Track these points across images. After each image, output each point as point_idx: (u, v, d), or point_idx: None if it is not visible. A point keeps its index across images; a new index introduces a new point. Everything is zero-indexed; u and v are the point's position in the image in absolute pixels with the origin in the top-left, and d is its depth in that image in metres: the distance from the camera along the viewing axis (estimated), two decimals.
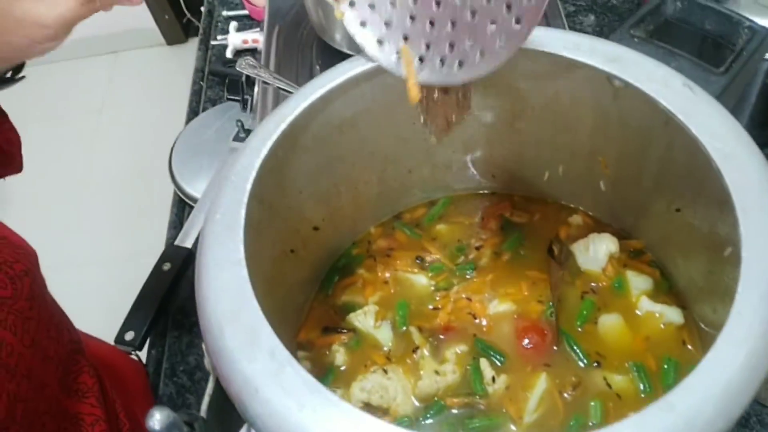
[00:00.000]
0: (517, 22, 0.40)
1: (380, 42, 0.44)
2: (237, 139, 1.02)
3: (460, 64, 0.41)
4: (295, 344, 0.54)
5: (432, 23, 0.42)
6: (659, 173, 0.47)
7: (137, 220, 1.73)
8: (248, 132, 1.01)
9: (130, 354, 0.82)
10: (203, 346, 0.37)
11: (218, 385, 0.40)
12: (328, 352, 0.53)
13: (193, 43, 2.39)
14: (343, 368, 0.52)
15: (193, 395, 0.85)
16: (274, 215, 0.47)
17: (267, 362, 0.33)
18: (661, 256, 0.53)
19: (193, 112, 1.13)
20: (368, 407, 0.50)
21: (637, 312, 0.52)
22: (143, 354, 0.86)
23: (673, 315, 0.50)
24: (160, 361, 0.88)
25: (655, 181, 0.48)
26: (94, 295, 1.58)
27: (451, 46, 0.42)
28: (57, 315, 0.53)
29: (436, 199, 0.61)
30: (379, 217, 0.60)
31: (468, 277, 0.56)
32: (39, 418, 0.47)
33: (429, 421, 0.49)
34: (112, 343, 0.81)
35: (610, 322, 0.51)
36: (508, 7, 0.40)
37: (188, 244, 0.91)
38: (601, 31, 1.09)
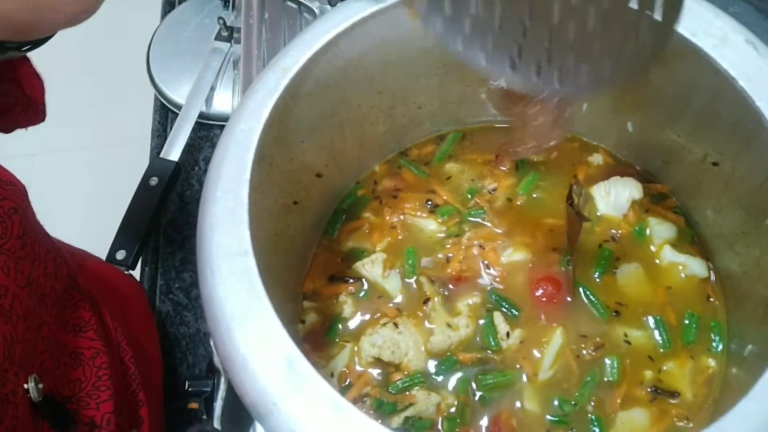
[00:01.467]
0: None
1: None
2: (219, 38, 0.94)
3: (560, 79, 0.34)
4: (301, 295, 0.51)
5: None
6: (698, 122, 0.43)
7: (108, 108, 1.63)
8: (230, 30, 0.93)
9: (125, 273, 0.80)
10: (211, 342, 0.34)
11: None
12: (335, 301, 0.51)
13: None
14: (350, 320, 0.51)
15: (190, 313, 0.85)
16: (274, 171, 0.43)
17: (285, 373, 0.30)
18: (687, 203, 0.50)
19: (168, 4, 1.03)
20: (379, 363, 0.49)
21: (658, 262, 0.50)
22: (136, 273, 0.84)
23: (696, 267, 0.48)
24: (155, 279, 0.86)
25: (692, 129, 0.44)
26: (72, 188, 1.52)
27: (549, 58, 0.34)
28: (52, 250, 0.51)
29: (446, 132, 0.56)
30: (385, 154, 0.56)
31: (480, 222, 0.53)
32: (38, 358, 0.46)
33: (441, 377, 0.48)
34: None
35: (629, 273, 0.49)
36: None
37: (174, 157, 0.87)
38: None
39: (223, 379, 0.43)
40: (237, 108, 0.38)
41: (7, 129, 0.55)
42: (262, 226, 0.38)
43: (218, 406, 0.42)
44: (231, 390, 0.38)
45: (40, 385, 0.43)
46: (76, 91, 1.63)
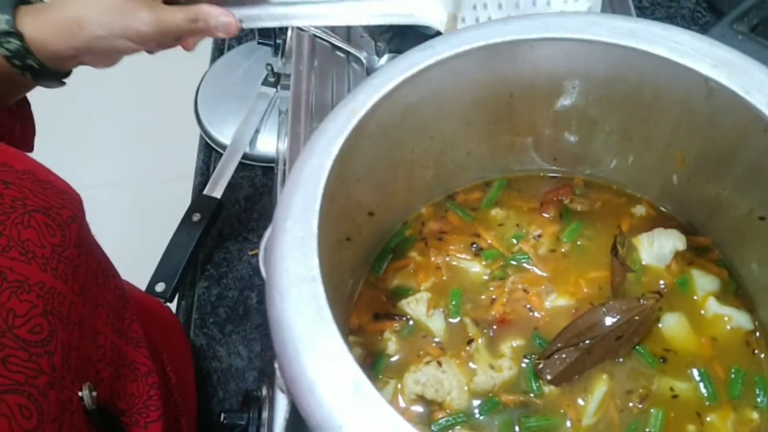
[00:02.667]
0: None
1: None
2: (266, 83, 0.98)
3: None
4: (347, 330, 0.52)
5: None
6: (746, 177, 0.44)
7: (154, 145, 1.68)
8: (278, 76, 0.97)
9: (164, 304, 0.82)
10: (275, 364, 0.35)
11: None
12: (380, 338, 0.52)
13: None
14: (394, 357, 0.51)
15: (223, 348, 0.86)
16: (333, 206, 0.44)
17: (351, 396, 0.32)
18: (731, 256, 0.51)
19: (218, 50, 1.08)
20: (422, 400, 0.49)
21: (703, 313, 0.50)
22: (172, 306, 0.86)
23: (741, 319, 0.49)
24: (190, 313, 0.88)
25: (739, 184, 0.45)
26: (114, 221, 1.55)
27: None
28: (103, 261, 0.53)
29: (492, 179, 0.58)
30: (432, 197, 0.58)
31: (525, 266, 0.54)
32: (93, 366, 0.47)
33: (484, 417, 0.48)
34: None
35: (673, 323, 0.50)
36: None
37: (217, 194, 0.90)
38: None
39: (287, 401, 0.44)
40: (307, 145, 0.40)
41: None
42: (322, 258, 0.39)
43: (279, 426, 0.42)
44: (293, 412, 0.39)
45: (94, 393, 0.44)
46: (125, 128, 1.69)
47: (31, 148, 0.64)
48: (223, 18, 0.55)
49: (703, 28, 0.96)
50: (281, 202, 0.38)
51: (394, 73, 0.42)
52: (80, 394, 0.43)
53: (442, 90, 0.46)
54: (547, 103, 0.50)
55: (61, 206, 0.46)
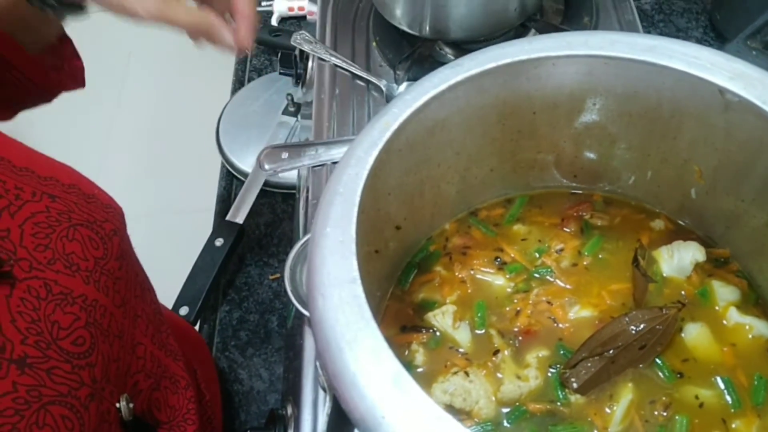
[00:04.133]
0: None
1: None
2: (286, 112, 1.01)
3: None
4: None
5: None
6: (764, 188, 0.46)
7: (176, 175, 1.70)
8: (298, 106, 1.00)
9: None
10: (316, 363, 0.37)
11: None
12: (407, 351, 0.53)
13: None
14: (421, 368, 0.52)
15: (245, 371, 0.87)
16: (364, 218, 0.46)
17: (391, 389, 0.33)
18: (750, 267, 0.52)
19: (239, 82, 1.12)
20: (450, 409, 0.50)
21: (724, 322, 0.51)
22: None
23: (762, 328, 0.50)
24: (212, 336, 0.89)
25: (758, 195, 0.47)
26: (138, 246, 1.57)
27: None
28: (141, 274, 0.54)
29: (514, 196, 0.60)
30: (455, 213, 0.59)
31: (548, 279, 0.55)
32: (131, 378, 0.48)
33: (511, 425, 0.49)
34: None
35: (696, 332, 0.51)
36: None
37: (239, 220, 0.92)
38: (660, 8, 1.06)
39: (329, 397, 0.45)
40: (345, 156, 0.42)
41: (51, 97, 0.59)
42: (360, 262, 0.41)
43: (322, 422, 0.43)
44: (336, 409, 0.40)
45: (131, 405, 0.45)
46: (147, 158, 1.72)
47: (83, 84, 0.65)
48: (227, 38, 0.53)
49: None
50: (320, 209, 0.40)
51: (425, 88, 0.44)
52: (118, 405, 0.44)
53: (468, 106, 0.49)
54: (568, 120, 0.52)
55: (104, 220, 0.47)
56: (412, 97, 0.43)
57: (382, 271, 0.55)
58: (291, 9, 1.08)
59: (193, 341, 0.74)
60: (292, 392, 0.69)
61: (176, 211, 1.62)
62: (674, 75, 0.43)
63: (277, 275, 0.93)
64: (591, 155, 0.55)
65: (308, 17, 0.99)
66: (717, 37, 0.98)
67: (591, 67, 0.46)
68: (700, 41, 1.01)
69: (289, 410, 0.62)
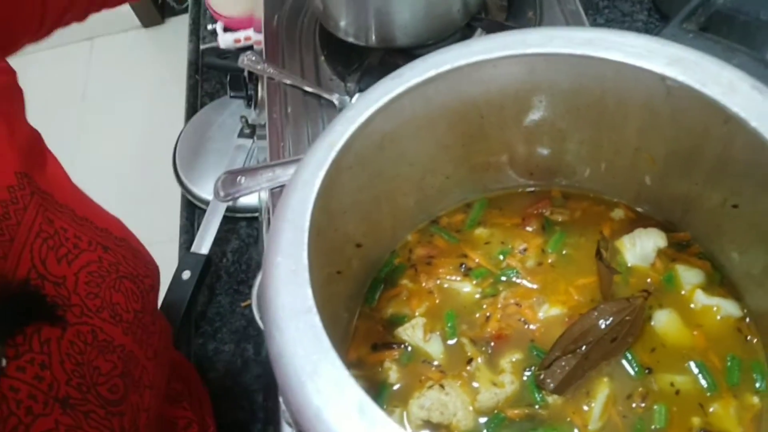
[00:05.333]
0: None
1: None
2: (242, 135, 0.99)
3: None
4: (347, 365, 0.52)
5: None
6: (714, 169, 0.46)
7: (136, 209, 1.67)
8: (253, 127, 0.99)
9: None
10: (280, 398, 0.36)
11: None
12: (380, 369, 0.52)
13: (171, 24, 2.33)
14: (396, 385, 0.52)
15: (225, 402, 0.85)
16: (321, 240, 0.45)
17: (358, 419, 0.32)
18: (711, 248, 0.52)
19: (191, 108, 1.10)
20: (429, 425, 0.49)
21: (692, 306, 0.51)
22: None
23: (730, 307, 0.50)
24: None
25: (709, 176, 0.47)
26: None
27: None
28: (166, 326, 0.55)
29: (473, 200, 0.59)
30: (416, 224, 0.59)
31: (515, 281, 0.55)
32: (154, 425, 0.50)
33: None
34: None
35: (665, 319, 0.51)
36: None
37: (204, 251, 0.90)
38: None
39: None
40: (290, 181, 0.41)
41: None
42: (315, 290, 0.40)
43: None
44: None
45: None
46: (105, 195, 1.69)
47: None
48: None
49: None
50: (270, 239, 0.39)
51: (366, 103, 0.43)
52: None
53: (415, 117, 0.48)
54: (516, 120, 0.52)
55: (145, 275, 0.50)
56: (355, 113, 0.43)
57: (347, 291, 0.54)
58: (237, 41, 1.06)
59: (189, 374, 0.74)
60: (273, 422, 0.68)
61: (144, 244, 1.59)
62: (614, 66, 0.43)
63: (249, 302, 0.91)
64: (544, 152, 0.55)
65: (255, 47, 0.98)
66: (662, 18, 0.99)
67: (532, 66, 0.46)
68: (646, 24, 1.02)
69: None
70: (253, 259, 0.95)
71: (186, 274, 0.88)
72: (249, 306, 0.91)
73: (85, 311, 0.42)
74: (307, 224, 0.38)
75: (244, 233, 0.97)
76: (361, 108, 0.43)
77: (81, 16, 0.62)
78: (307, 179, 0.40)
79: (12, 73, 0.49)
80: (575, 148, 0.54)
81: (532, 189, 0.59)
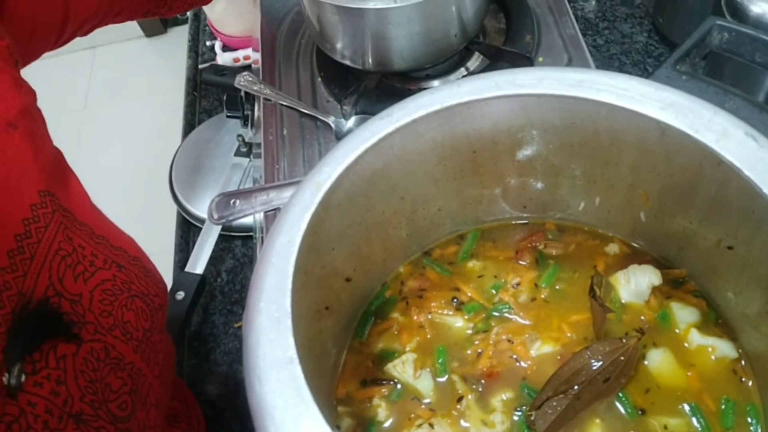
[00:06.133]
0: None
1: None
2: (239, 153, 0.99)
3: None
4: (335, 400, 0.52)
5: None
6: (709, 209, 0.45)
7: (133, 221, 1.67)
8: (249, 146, 0.98)
9: None
10: None
11: None
12: (369, 405, 0.52)
13: (174, 34, 2.33)
14: (385, 424, 0.51)
15: (216, 425, 0.84)
16: (308, 279, 0.45)
17: None
18: (707, 286, 0.51)
19: (189, 125, 1.10)
20: None
21: (686, 345, 0.50)
22: None
23: (725, 348, 0.49)
24: None
25: (705, 216, 0.46)
26: None
27: None
28: (171, 345, 0.56)
29: (465, 232, 0.58)
30: (408, 255, 0.58)
31: (507, 316, 0.54)
32: None
33: None
34: None
35: (659, 359, 0.50)
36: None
37: (199, 270, 0.89)
38: (604, 16, 1.06)
39: None
40: (276, 222, 0.40)
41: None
42: (299, 333, 0.39)
43: None
44: None
45: None
46: (101, 203, 1.69)
47: None
48: None
49: (658, 60, 0.99)
50: (253, 282, 0.38)
51: (355, 143, 0.42)
52: None
53: (405, 153, 0.47)
54: (509, 155, 0.51)
55: (155, 294, 0.50)
56: (343, 154, 0.42)
57: (336, 325, 0.53)
58: (236, 60, 1.06)
59: (187, 396, 0.74)
60: None
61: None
62: (607, 107, 0.42)
63: (242, 323, 0.90)
64: (538, 185, 0.54)
65: (253, 66, 0.97)
66: (661, 40, 0.98)
67: (524, 104, 0.46)
68: (645, 45, 1.01)
69: None
70: (247, 278, 0.94)
71: (180, 295, 0.87)
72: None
73: (98, 329, 0.43)
74: (291, 269, 0.38)
75: (239, 252, 0.96)
76: (350, 148, 0.42)
77: (97, 26, 0.62)
78: (292, 222, 0.40)
79: (33, 94, 0.49)
80: (569, 182, 0.53)
81: (526, 221, 0.58)
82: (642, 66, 1.01)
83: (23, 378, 0.37)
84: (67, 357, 0.40)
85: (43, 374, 0.38)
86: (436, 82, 0.84)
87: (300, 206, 0.40)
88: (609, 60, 1.01)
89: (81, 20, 0.59)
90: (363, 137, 0.43)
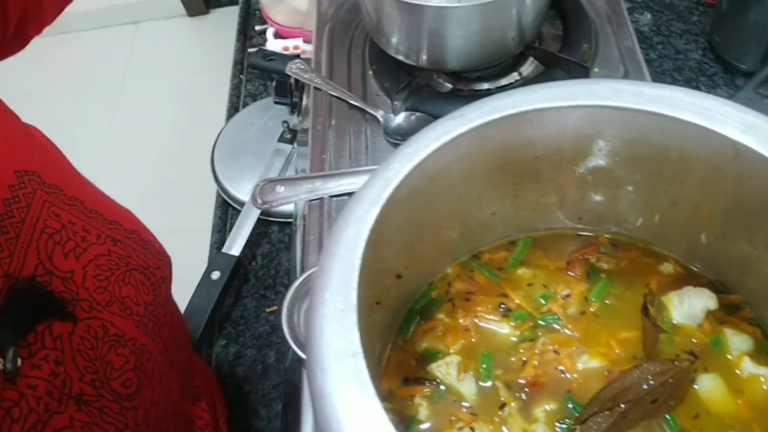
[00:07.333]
0: None
1: None
2: (282, 139, 0.99)
3: None
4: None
5: None
6: None
7: (169, 198, 1.68)
8: (294, 133, 0.98)
9: None
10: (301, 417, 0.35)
11: None
12: (410, 404, 0.52)
13: (215, 15, 2.34)
14: (425, 424, 0.51)
15: (241, 408, 0.85)
16: (366, 273, 0.44)
17: None
18: (763, 315, 0.51)
19: (233, 108, 1.10)
20: None
21: (738, 373, 0.49)
22: None
23: None
24: None
25: None
26: None
27: None
28: (179, 319, 0.55)
29: (517, 238, 0.58)
30: (457, 257, 0.58)
31: (555, 327, 0.53)
32: (164, 421, 0.49)
33: None
34: None
35: (709, 384, 0.49)
36: None
37: (235, 252, 0.90)
38: (659, 30, 1.05)
39: None
40: (343, 214, 0.40)
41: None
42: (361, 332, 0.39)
43: None
44: None
45: None
46: (142, 181, 1.70)
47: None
48: None
49: (711, 79, 0.98)
50: (319, 273, 0.38)
51: (426, 141, 0.42)
52: None
53: (469, 154, 0.47)
54: (572, 164, 0.50)
55: (156, 267, 0.49)
56: (413, 150, 0.42)
57: (383, 321, 0.53)
58: (286, 48, 1.06)
59: (208, 376, 0.74)
60: None
61: (174, 231, 1.60)
62: (683, 124, 0.42)
63: (275, 308, 0.91)
64: (597, 197, 0.53)
65: (302, 56, 0.97)
66: (716, 59, 0.97)
67: (596, 115, 0.45)
68: (699, 63, 1.00)
69: None
70: (282, 264, 0.94)
71: (215, 275, 0.88)
72: (274, 312, 0.91)
73: (94, 305, 0.42)
74: (358, 262, 0.38)
75: (275, 238, 0.96)
76: (420, 146, 0.42)
77: (42, 21, 0.58)
78: (360, 215, 0.39)
79: None
80: (630, 197, 0.52)
81: (580, 233, 0.58)
82: (694, 84, 0.99)
83: (19, 362, 0.36)
84: (63, 336, 0.39)
85: (40, 356, 0.37)
86: (486, 85, 0.84)
87: (368, 200, 0.40)
88: (661, 75, 1.00)
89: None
90: (434, 135, 0.42)
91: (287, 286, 0.93)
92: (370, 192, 0.40)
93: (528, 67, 0.85)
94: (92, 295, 0.42)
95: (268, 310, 0.91)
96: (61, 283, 0.40)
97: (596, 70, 0.82)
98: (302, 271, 0.72)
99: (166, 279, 0.50)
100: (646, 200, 0.52)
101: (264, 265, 0.94)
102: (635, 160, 0.48)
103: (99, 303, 0.42)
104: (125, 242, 0.47)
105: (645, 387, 0.47)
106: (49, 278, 0.40)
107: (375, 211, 0.40)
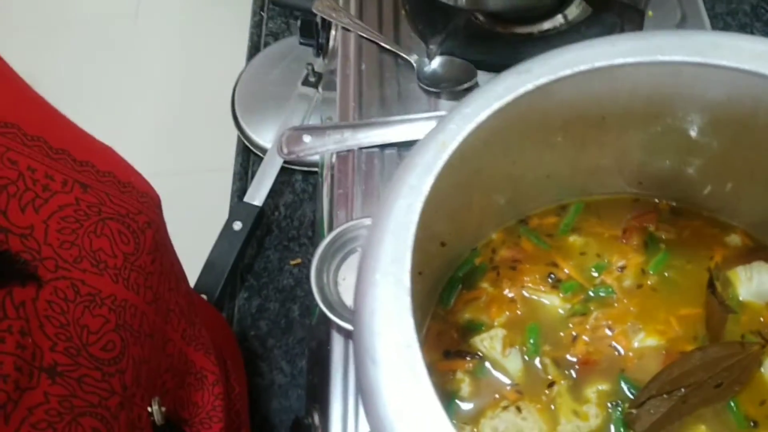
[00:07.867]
0: None
1: None
2: (306, 83, 0.93)
3: None
4: None
5: None
6: None
7: (188, 138, 1.63)
8: (318, 76, 0.92)
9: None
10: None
11: None
12: (452, 378, 0.48)
13: None
14: (467, 401, 0.48)
15: (265, 363, 0.83)
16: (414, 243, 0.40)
17: None
18: None
19: (254, 47, 1.04)
20: None
21: None
22: None
23: None
24: (230, 325, 0.85)
25: None
26: None
27: None
28: (176, 264, 0.50)
29: (567, 203, 0.53)
30: (503, 221, 0.53)
31: (608, 301, 0.49)
32: (160, 377, 0.45)
33: None
34: None
35: None
36: None
37: (258, 202, 0.86)
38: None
39: None
40: (393, 184, 0.36)
41: None
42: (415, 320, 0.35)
43: None
44: None
45: (163, 408, 0.42)
46: (161, 120, 1.64)
47: None
48: None
49: (767, 25, 0.91)
50: (368, 250, 0.34)
51: (487, 100, 0.37)
52: (149, 409, 0.41)
53: (531, 112, 0.42)
54: (642, 124, 0.45)
55: (137, 212, 0.43)
56: (473, 111, 0.37)
57: (423, 290, 0.49)
58: None
59: (221, 329, 0.70)
60: (319, 400, 0.65)
61: (194, 171, 1.55)
62: None
63: (299, 260, 0.88)
64: (664, 162, 0.48)
65: None
66: None
67: (678, 71, 0.40)
68: (754, 8, 0.93)
69: (316, 419, 0.58)
70: (306, 215, 0.91)
71: (237, 225, 0.84)
72: (298, 265, 0.88)
73: (60, 264, 0.37)
74: (411, 239, 0.34)
75: (299, 187, 0.93)
76: (481, 105, 0.37)
77: None
78: (414, 184, 0.35)
79: None
80: (701, 163, 0.47)
81: (637, 198, 0.53)
82: (749, 29, 0.92)
83: None
84: (27, 303, 0.34)
85: (2, 327, 0.33)
86: (529, 28, 0.77)
87: (422, 167, 0.36)
88: (713, 20, 0.92)
89: None
90: (496, 93, 0.37)
91: (311, 239, 0.90)
92: (423, 158, 0.36)
93: (574, 10, 0.78)
94: (57, 252, 0.37)
95: (291, 263, 0.88)
96: (19, 241, 0.35)
97: (650, 14, 0.75)
98: (330, 227, 0.68)
99: (152, 223, 0.44)
100: (720, 167, 0.47)
101: (287, 215, 0.91)
102: (716, 123, 0.43)
103: (66, 260, 0.37)
104: (97, 188, 0.41)
105: (709, 371, 0.43)
106: (4, 236, 0.35)
107: (429, 181, 0.35)
